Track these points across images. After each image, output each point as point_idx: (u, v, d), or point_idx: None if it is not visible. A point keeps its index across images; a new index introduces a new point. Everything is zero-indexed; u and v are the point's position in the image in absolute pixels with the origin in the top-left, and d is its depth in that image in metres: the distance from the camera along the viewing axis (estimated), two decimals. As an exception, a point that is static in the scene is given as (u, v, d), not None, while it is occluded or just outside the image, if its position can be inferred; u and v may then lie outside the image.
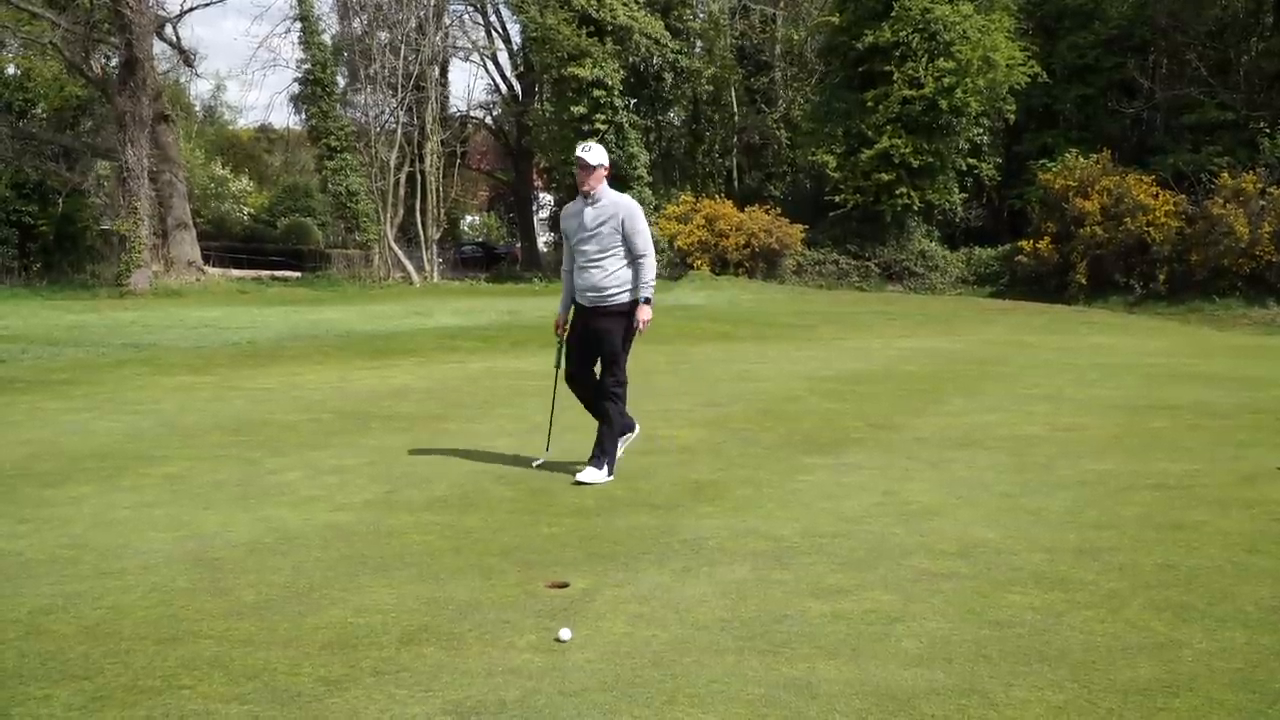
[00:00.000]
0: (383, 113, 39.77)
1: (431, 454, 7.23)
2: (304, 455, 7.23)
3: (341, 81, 41.81)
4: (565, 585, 4.41)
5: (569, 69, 34.71)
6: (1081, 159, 29.41)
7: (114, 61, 35.46)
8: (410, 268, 37.60)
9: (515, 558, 4.72)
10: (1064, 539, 5.11)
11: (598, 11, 34.95)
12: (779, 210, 32.94)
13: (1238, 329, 23.76)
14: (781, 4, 40.21)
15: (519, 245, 51.77)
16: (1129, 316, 25.66)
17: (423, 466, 6.82)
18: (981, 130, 33.30)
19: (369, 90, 40.32)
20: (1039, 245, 29.22)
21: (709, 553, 4.89)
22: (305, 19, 38.56)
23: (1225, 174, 27.03)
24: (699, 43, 39.87)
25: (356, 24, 41.10)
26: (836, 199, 31.84)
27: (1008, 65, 30.60)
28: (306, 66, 38.61)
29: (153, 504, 5.86)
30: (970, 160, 33.02)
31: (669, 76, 38.22)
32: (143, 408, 9.75)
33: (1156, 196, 27.73)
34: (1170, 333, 21.84)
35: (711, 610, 4.09)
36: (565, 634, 3.77)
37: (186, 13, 39.40)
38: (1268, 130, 28.00)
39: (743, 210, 32.59)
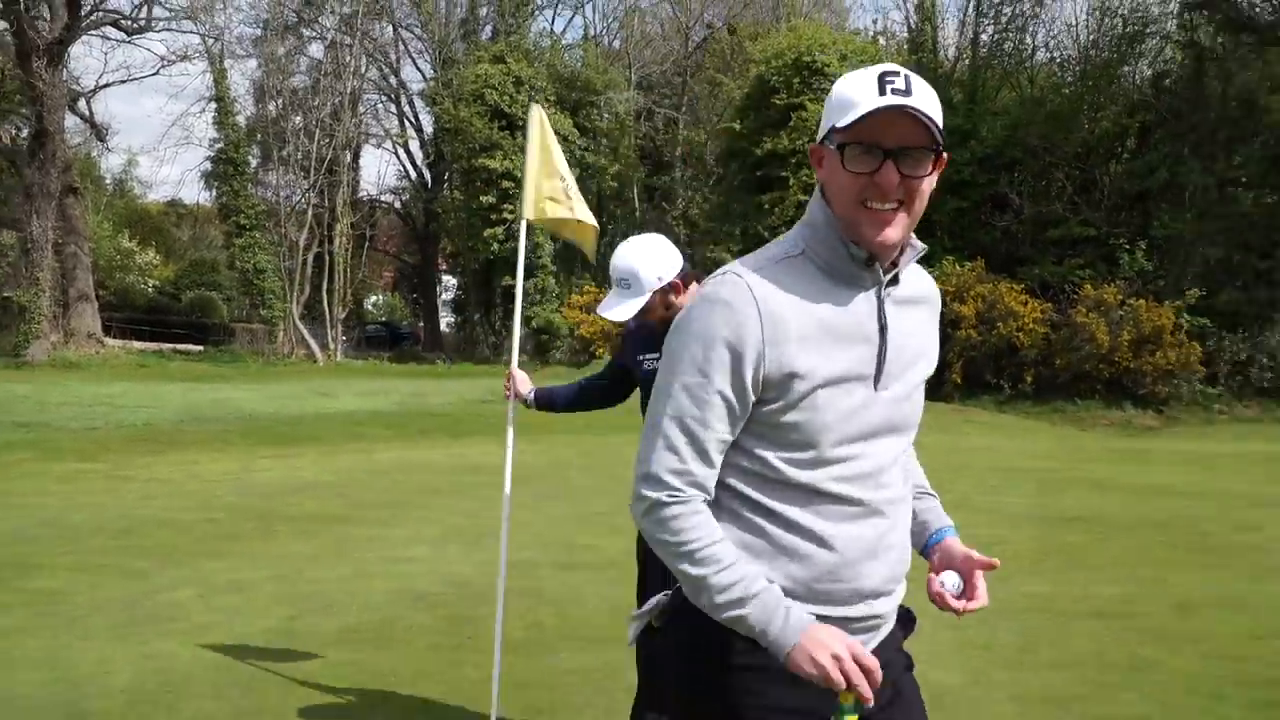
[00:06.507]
0: (294, 193, 38.70)
1: (340, 567, 6.39)
2: (198, 566, 6.32)
3: (254, 161, 40.62)
4: (501, 752, 3.68)
5: (479, 160, 34.33)
6: (958, 266, 29.93)
7: (24, 133, 33.80)
8: (314, 345, 36.25)
9: (438, 713, 3.95)
10: (1028, 684, 4.56)
11: (509, 107, 34.75)
12: (677, 303, 32.71)
13: (1098, 429, 24.13)
14: (683, 109, 40.59)
15: (422, 326, 50.81)
16: (1000, 415, 25.87)
17: (330, 585, 5.96)
18: (867, 236, 33.70)
19: (281, 171, 39.26)
20: (919, 345, 29.43)
21: (656, 704, 4.19)
22: (221, 100, 37.49)
23: (1088, 285, 27.74)
24: (605, 141, 39.90)
25: (272, 107, 40.12)
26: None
27: (892, 177, 31.08)
28: (220, 145, 37.42)
29: (24, 630, 4.92)
30: (856, 263, 33.33)
31: (575, 171, 38.04)
32: (27, 502, 8.65)
33: (1025, 304, 28.27)
34: (1042, 433, 22.00)
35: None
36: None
37: (101, 89, 37.79)
38: (1127, 246, 28.87)
39: (643, 301, 32.28)
